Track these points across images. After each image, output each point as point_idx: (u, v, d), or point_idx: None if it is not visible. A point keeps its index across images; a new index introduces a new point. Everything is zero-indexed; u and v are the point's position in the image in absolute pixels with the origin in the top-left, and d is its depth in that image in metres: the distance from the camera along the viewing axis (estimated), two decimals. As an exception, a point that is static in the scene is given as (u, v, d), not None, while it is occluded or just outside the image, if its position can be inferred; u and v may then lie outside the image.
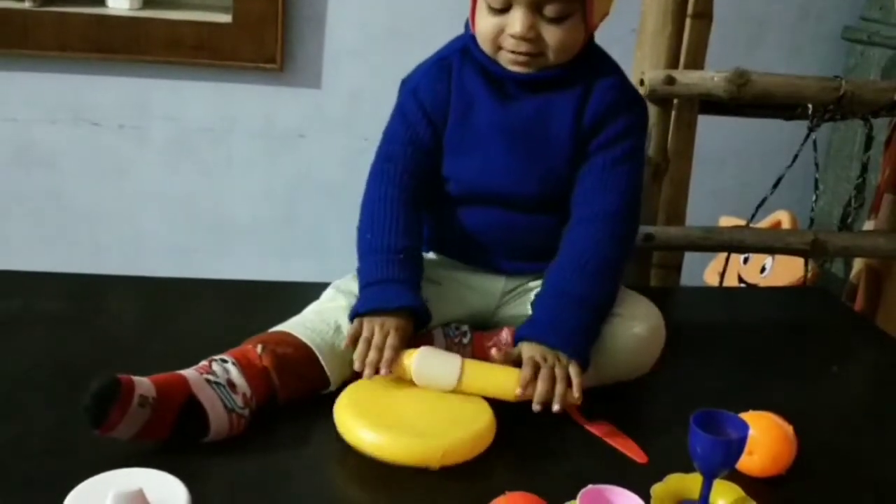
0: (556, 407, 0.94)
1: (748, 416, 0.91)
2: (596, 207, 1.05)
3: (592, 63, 1.06)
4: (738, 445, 0.86)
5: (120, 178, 1.82)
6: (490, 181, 1.07)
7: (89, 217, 1.84)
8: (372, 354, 0.96)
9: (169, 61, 1.72)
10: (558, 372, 0.96)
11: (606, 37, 1.08)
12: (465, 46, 1.06)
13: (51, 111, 1.76)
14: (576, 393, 0.95)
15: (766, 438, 0.92)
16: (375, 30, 1.79)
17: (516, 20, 0.97)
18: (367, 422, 0.93)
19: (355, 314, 1.00)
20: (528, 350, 0.98)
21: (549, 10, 0.97)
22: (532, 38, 0.98)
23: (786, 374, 1.21)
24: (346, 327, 1.01)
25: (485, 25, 1.00)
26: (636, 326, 1.06)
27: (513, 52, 1.00)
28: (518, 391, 0.96)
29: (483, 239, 1.12)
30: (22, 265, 1.30)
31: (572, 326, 0.99)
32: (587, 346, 1.00)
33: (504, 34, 0.99)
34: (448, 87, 1.06)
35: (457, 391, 0.98)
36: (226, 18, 1.70)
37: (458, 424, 0.94)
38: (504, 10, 0.98)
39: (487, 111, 1.05)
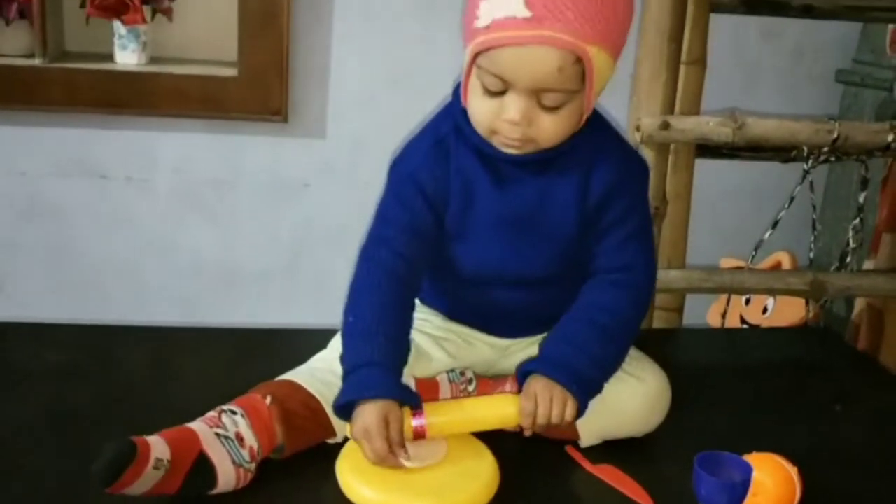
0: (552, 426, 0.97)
1: (752, 458, 0.92)
2: (615, 275, 1.04)
3: (591, 136, 1.00)
4: (742, 487, 0.86)
5: (127, 228, 1.84)
6: (492, 266, 1.05)
7: (97, 267, 1.86)
8: (378, 444, 0.90)
9: (176, 114, 1.75)
10: (555, 405, 0.96)
11: (602, 86, 1.10)
12: (458, 124, 1.01)
13: (60, 165, 1.79)
14: (568, 417, 0.97)
15: (770, 480, 0.92)
16: (378, 80, 1.82)
17: (511, 106, 0.92)
18: (369, 479, 0.92)
19: (339, 407, 0.95)
20: (537, 384, 0.98)
21: (547, 100, 0.92)
22: (526, 124, 0.93)
23: (789, 414, 1.22)
24: None
25: (479, 108, 0.95)
26: (643, 393, 1.06)
27: (506, 136, 0.95)
28: (523, 424, 0.98)
29: (485, 311, 1.11)
30: (30, 316, 1.32)
31: (576, 369, 0.99)
32: (588, 391, 1.00)
33: (499, 119, 0.94)
34: (447, 172, 1.01)
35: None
36: (231, 72, 1.74)
37: (461, 478, 0.94)
38: (500, 93, 0.92)
39: (487, 197, 1.02)
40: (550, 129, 0.95)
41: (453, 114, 1.02)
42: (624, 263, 1.05)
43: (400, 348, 0.98)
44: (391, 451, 0.91)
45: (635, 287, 1.06)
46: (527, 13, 0.86)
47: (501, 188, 1.01)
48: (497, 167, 1.01)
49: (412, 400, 0.96)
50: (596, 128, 1.02)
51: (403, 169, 1.04)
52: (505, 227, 1.03)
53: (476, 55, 0.92)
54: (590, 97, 0.94)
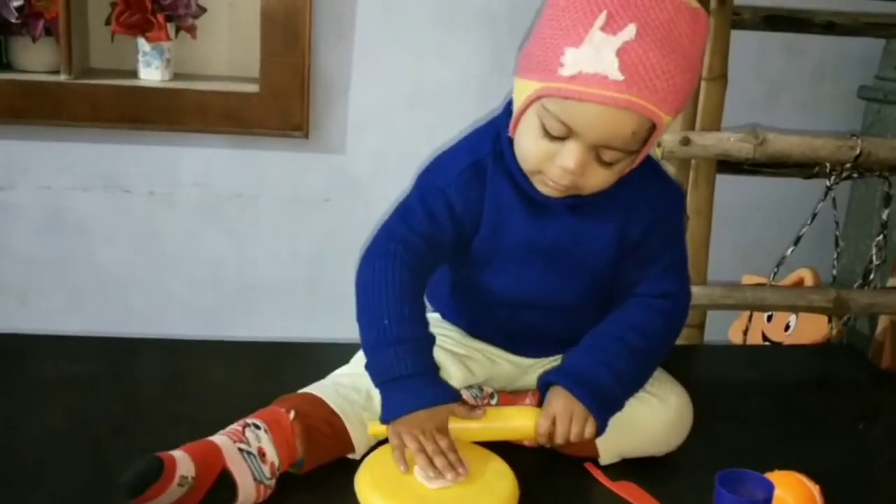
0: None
1: (774, 476, 0.91)
2: (651, 300, 1.04)
3: (630, 173, 0.98)
4: (764, 505, 0.85)
5: (150, 242, 1.86)
6: (522, 293, 1.05)
7: (119, 281, 1.87)
8: (439, 461, 0.92)
9: (198, 130, 1.77)
10: (575, 427, 0.96)
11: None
12: (497, 147, 0.99)
13: (84, 179, 1.81)
14: (587, 436, 0.98)
15: (792, 499, 0.92)
16: (398, 97, 1.83)
17: (569, 155, 0.89)
18: (388, 495, 0.92)
19: (392, 417, 0.95)
20: (557, 402, 0.98)
21: (606, 156, 0.90)
22: (579, 174, 0.91)
23: (812, 432, 1.21)
24: (377, 397, 0.99)
25: (531, 147, 0.93)
26: (664, 413, 1.05)
27: (552, 180, 0.93)
28: (541, 442, 0.99)
29: (511, 332, 1.11)
30: (52, 329, 1.33)
31: (600, 387, 0.99)
32: (609, 410, 1.00)
33: (551, 162, 0.92)
34: (482, 197, 0.99)
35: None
36: (253, 89, 1.76)
37: (481, 495, 0.93)
38: (559, 138, 0.90)
39: (521, 227, 1.00)
40: (599, 180, 0.93)
41: (495, 137, 1.01)
42: (661, 292, 1.04)
43: (432, 348, 0.99)
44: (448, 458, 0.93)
45: (670, 313, 1.06)
46: (619, 76, 0.84)
47: (537, 220, 1.00)
48: (533, 198, 0.99)
49: (457, 400, 0.98)
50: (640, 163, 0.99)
51: (435, 181, 1.02)
52: (537, 258, 1.02)
53: (541, 95, 0.89)
54: (642, 156, 0.94)
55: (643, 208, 1.01)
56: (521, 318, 1.08)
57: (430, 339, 0.99)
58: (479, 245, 1.02)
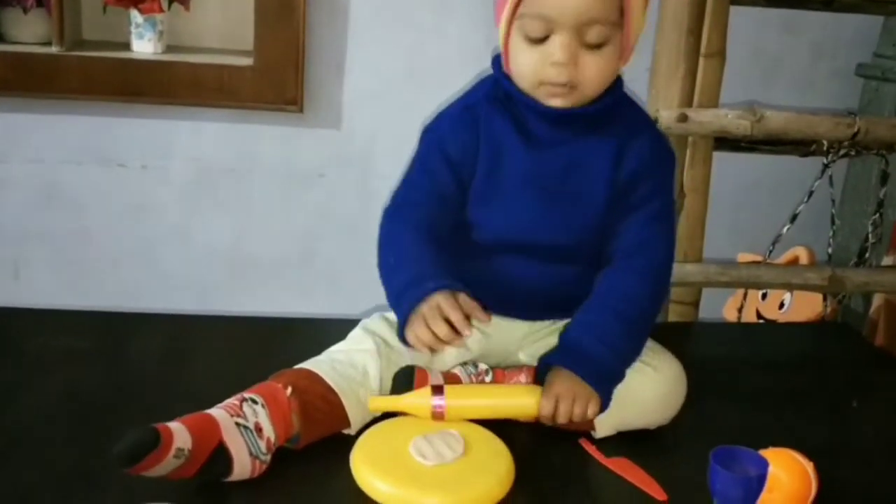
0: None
1: (768, 453, 0.91)
2: (636, 260, 1.05)
3: (624, 112, 1.05)
4: (758, 482, 0.86)
5: (143, 216, 1.85)
6: (517, 232, 1.06)
7: (112, 255, 1.86)
8: (440, 329, 0.93)
9: (192, 104, 1.75)
10: (577, 408, 0.97)
11: (621, 76, 1.10)
12: (491, 92, 1.05)
13: (77, 152, 1.80)
14: (590, 415, 0.99)
15: (786, 476, 0.92)
16: (393, 72, 1.82)
17: (557, 48, 0.96)
18: (383, 472, 0.92)
19: (403, 328, 0.97)
20: (561, 383, 0.98)
21: (592, 35, 0.96)
22: (572, 65, 0.96)
23: (806, 410, 1.21)
24: (374, 373, 1.01)
25: (524, 60, 0.99)
26: (659, 383, 1.06)
27: (553, 83, 0.98)
28: (542, 421, 1.00)
29: (505, 289, 1.10)
30: (45, 303, 1.32)
31: (602, 366, 1.00)
32: (611, 388, 1.00)
33: (545, 66, 0.97)
34: (476, 137, 1.04)
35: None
36: (247, 62, 1.74)
37: (476, 473, 0.93)
38: (543, 39, 0.96)
39: (517, 161, 1.03)
40: (594, 70, 0.97)
41: (486, 84, 1.06)
42: (644, 244, 1.05)
43: (447, 266, 1.00)
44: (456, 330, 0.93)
45: (655, 273, 1.06)
46: None
47: (533, 151, 1.03)
48: (530, 131, 1.03)
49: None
50: (630, 106, 1.06)
51: (431, 136, 1.07)
52: (534, 190, 1.04)
53: (516, 8, 0.96)
54: (628, 35, 0.98)
55: (637, 145, 1.04)
56: (515, 269, 1.08)
57: (447, 263, 1.01)
58: (478, 183, 1.05)
